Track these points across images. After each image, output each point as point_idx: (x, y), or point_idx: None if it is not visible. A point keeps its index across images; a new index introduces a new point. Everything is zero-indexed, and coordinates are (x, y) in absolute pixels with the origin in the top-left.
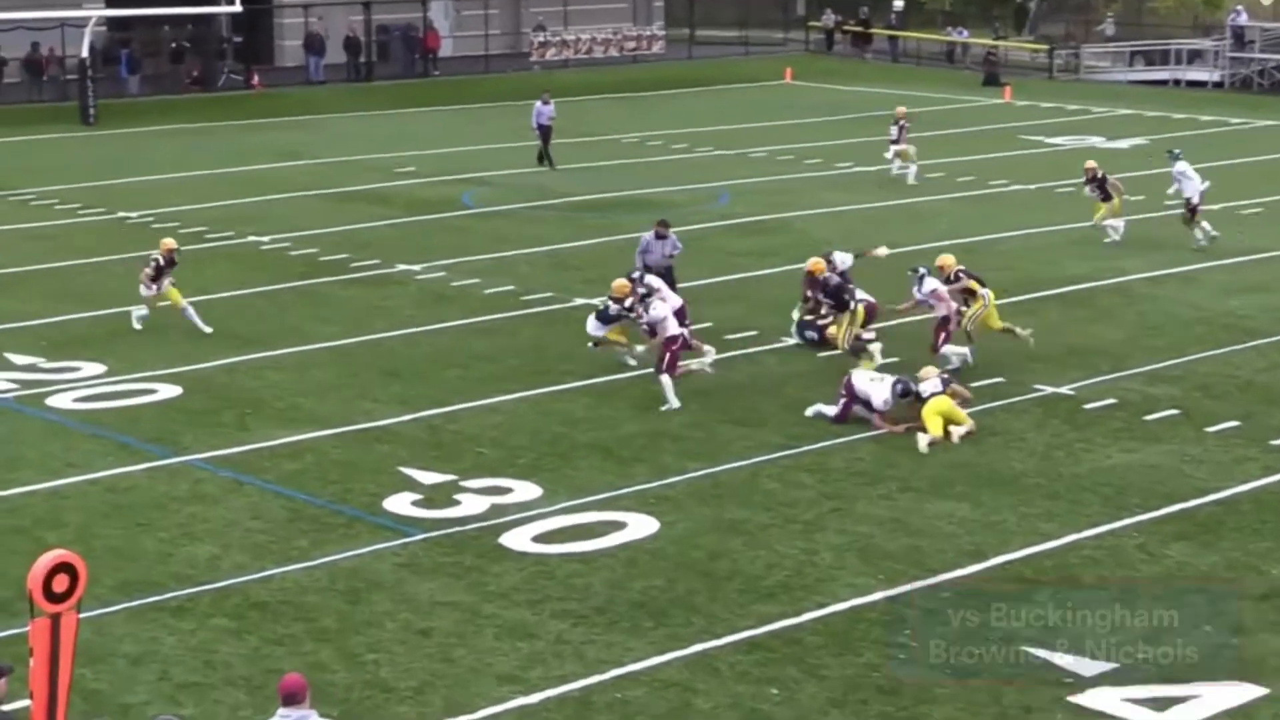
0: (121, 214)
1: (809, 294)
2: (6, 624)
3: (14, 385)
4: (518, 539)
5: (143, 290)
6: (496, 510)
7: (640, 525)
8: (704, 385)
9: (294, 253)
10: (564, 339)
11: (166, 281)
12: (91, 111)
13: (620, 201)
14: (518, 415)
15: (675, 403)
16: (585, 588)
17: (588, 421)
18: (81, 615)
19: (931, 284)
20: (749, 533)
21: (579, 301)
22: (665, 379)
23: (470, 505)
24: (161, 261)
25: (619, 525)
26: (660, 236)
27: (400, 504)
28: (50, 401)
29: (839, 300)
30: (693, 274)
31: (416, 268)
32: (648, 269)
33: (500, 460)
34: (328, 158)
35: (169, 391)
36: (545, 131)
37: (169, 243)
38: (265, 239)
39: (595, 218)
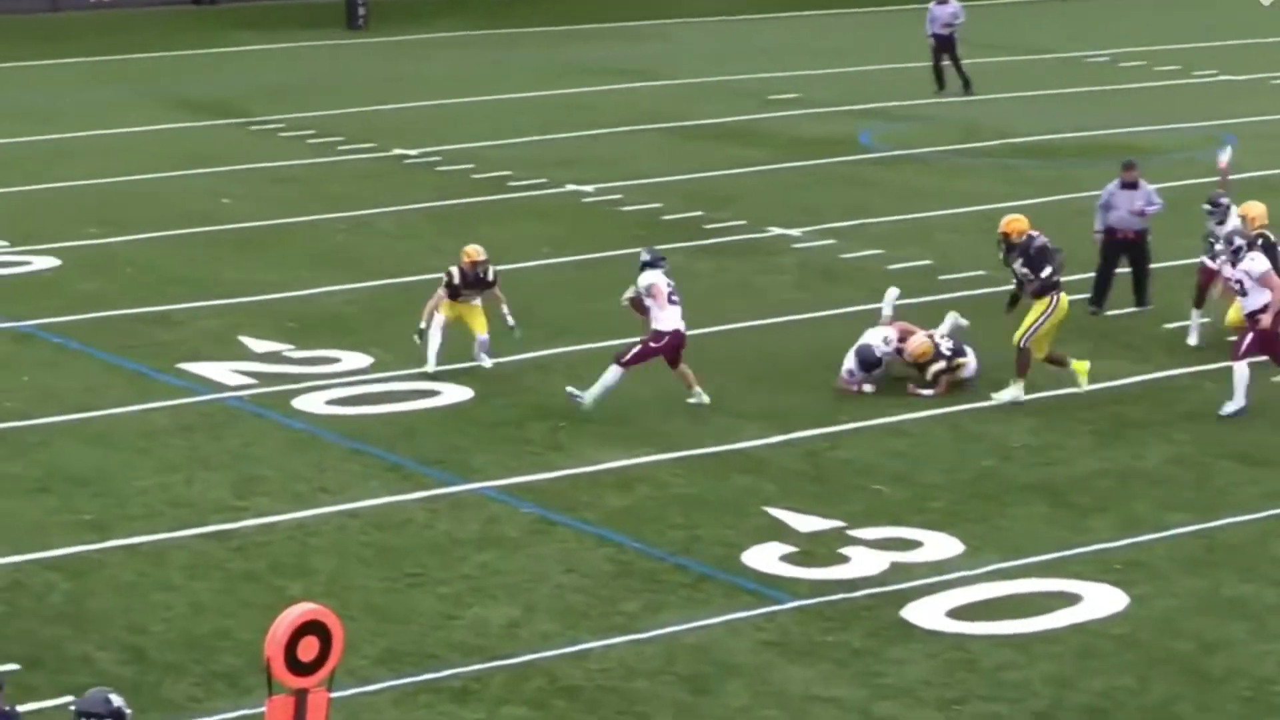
0: (397, 151)
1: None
2: (235, 702)
3: (251, 380)
4: (927, 612)
5: (428, 322)
6: (899, 571)
7: (1100, 599)
8: (1195, 408)
9: (627, 208)
10: (996, 333)
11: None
12: (361, 12)
13: (1075, 145)
14: (930, 440)
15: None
16: (1021, 685)
17: (1028, 452)
18: (333, 694)
19: (1258, 261)
20: (1256, 616)
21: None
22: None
23: (862, 563)
24: (457, 279)
25: (1070, 599)
26: (1128, 185)
27: (766, 558)
28: (298, 404)
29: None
30: (1174, 247)
31: (796, 232)
32: (1110, 232)
33: (904, 502)
34: (676, 78)
35: (456, 394)
36: (944, 42)
37: (474, 251)
38: (589, 188)
39: (1039, 167)
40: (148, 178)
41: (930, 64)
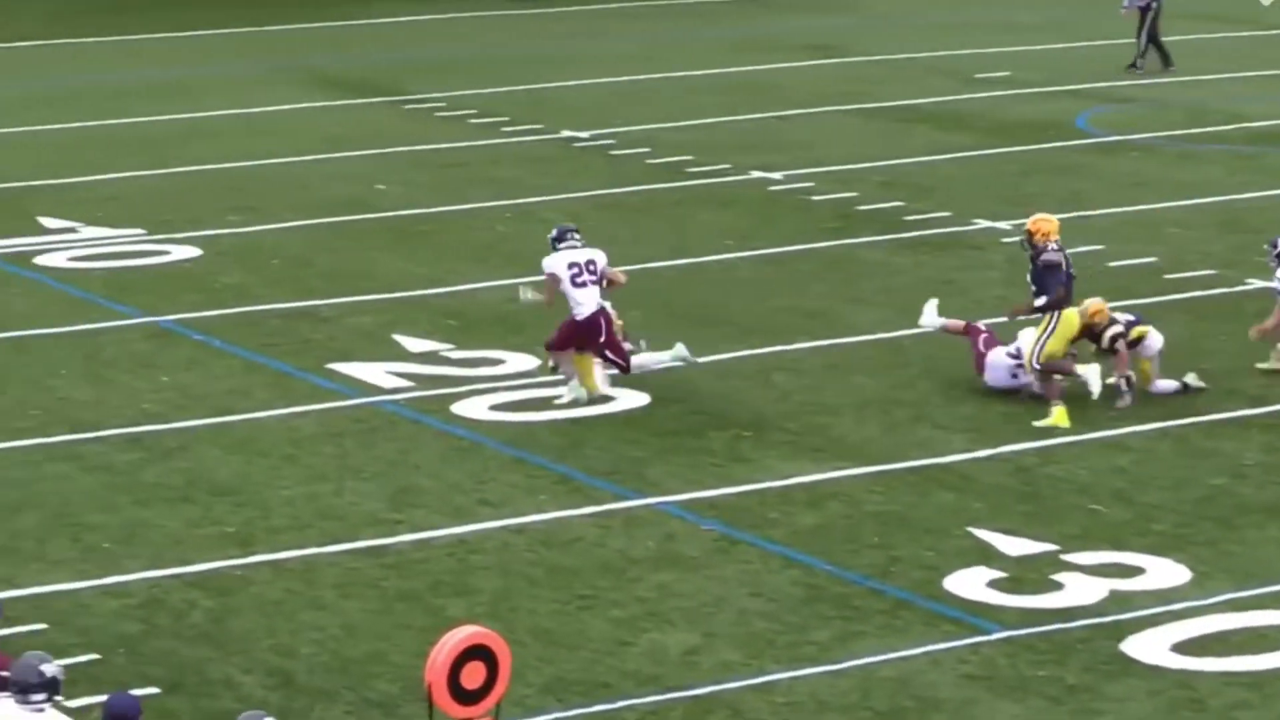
0: (566, 133)
1: None
2: None
3: (406, 383)
4: (1151, 646)
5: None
6: (1118, 601)
7: None
8: None
9: (818, 197)
10: (1231, 341)
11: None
12: None
13: None
14: (1154, 456)
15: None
16: None
17: (1264, 470)
18: None
19: None
20: None
21: (1255, 284)
22: None
23: (1078, 591)
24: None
25: None
26: None
27: (972, 584)
28: (457, 409)
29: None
30: None
31: (1004, 225)
32: None
33: (1125, 524)
34: (870, 54)
35: (631, 399)
36: (1148, 15)
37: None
38: (776, 175)
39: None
40: (294, 161)
41: (1143, 40)
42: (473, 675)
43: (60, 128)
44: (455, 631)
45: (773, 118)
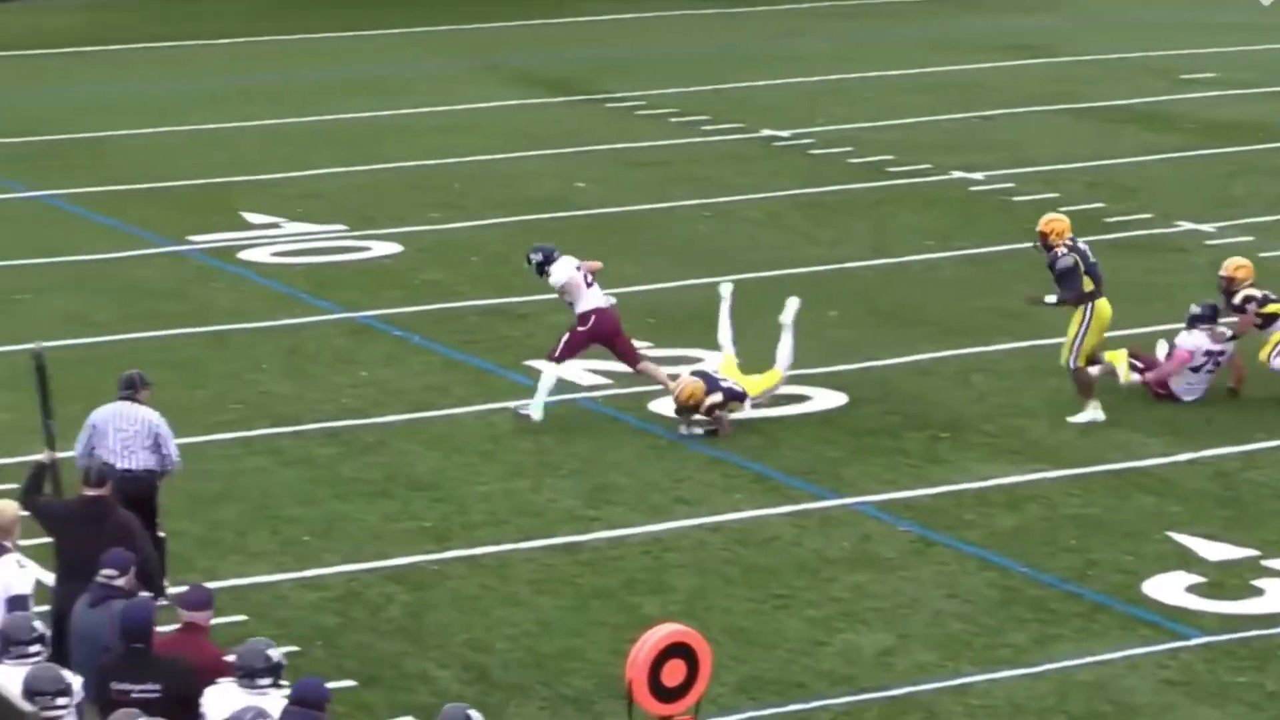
0: (766, 132)
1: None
2: None
3: (605, 380)
4: None
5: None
6: None
7: None
8: None
9: (1020, 198)
10: None
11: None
12: None
13: None
14: None
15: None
16: None
17: None
18: None
19: None
20: None
21: None
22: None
23: None
24: None
25: None
26: None
27: (1171, 588)
28: (655, 407)
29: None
30: None
31: (1208, 228)
32: None
33: None
34: (1073, 53)
35: (828, 399)
36: None
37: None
38: (977, 175)
39: None
40: (495, 158)
41: None
42: (673, 673)
43: (265, 124)
44: (656, 629)
45: (976, 118)
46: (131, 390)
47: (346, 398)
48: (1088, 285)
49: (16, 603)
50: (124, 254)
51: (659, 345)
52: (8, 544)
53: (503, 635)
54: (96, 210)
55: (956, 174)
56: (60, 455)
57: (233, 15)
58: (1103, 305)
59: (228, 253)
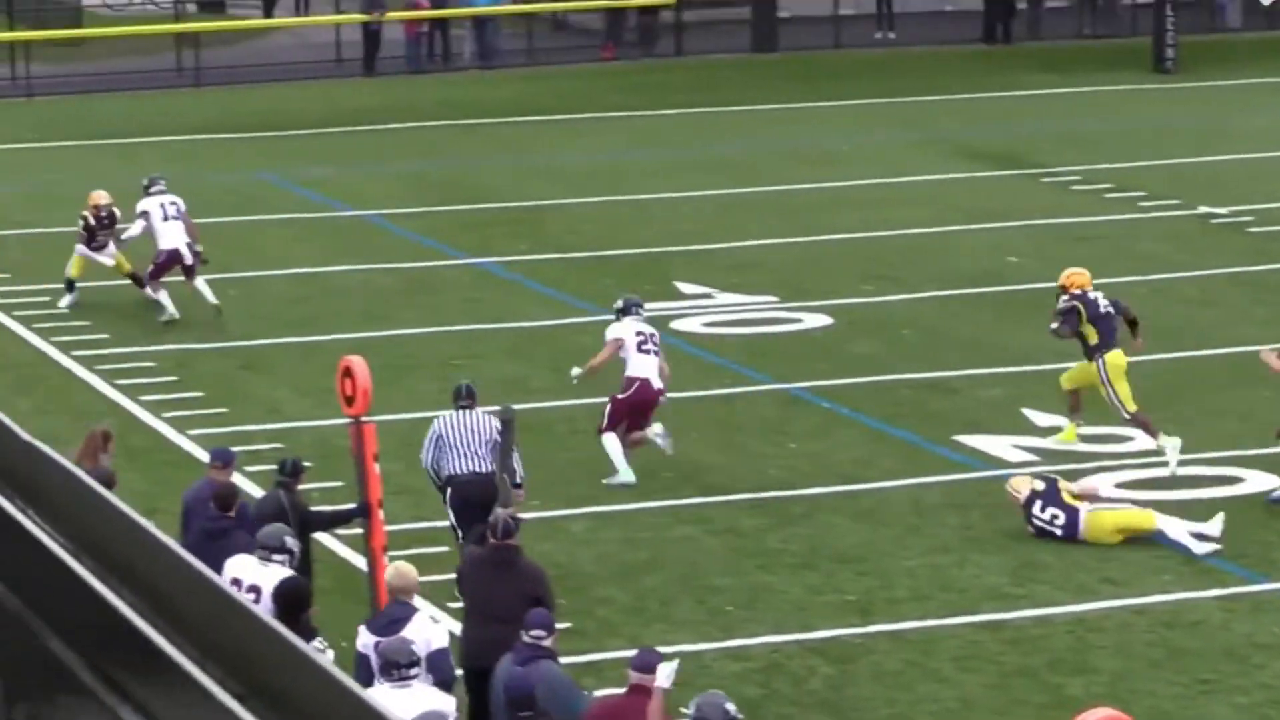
0: (1204, 209)
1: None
2: None
3: (1033, 457)
4: None
5: None
6: None
7: None
8: None
9: None
10: None
11: None
12: (1170, 54)
13: None
14: None
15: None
16: None
17: None
18: None
19: None
20: None
21: None
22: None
23: None
24: None
25: None
26: None
27: None
28: (1084, 484)
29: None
30: None
31: None
32: None
33: None
34: None
35: (1261, 481)
36: None
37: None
38: None
39: None
40: (930, 231)
41: None
42: None
43: (707, 194)
44: (1089, 713)
45: None
46: (471, 400)
47: (774, 469)
48: (1091, 337)
49: (437, 656)
50: (561, 321)
51: (1089, 422)
52: (412, 603)
53: (925, 711)
54: (534, 278)
55: None
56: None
57: (695, 87)
58: (1113, 356)
59: (660, 322)
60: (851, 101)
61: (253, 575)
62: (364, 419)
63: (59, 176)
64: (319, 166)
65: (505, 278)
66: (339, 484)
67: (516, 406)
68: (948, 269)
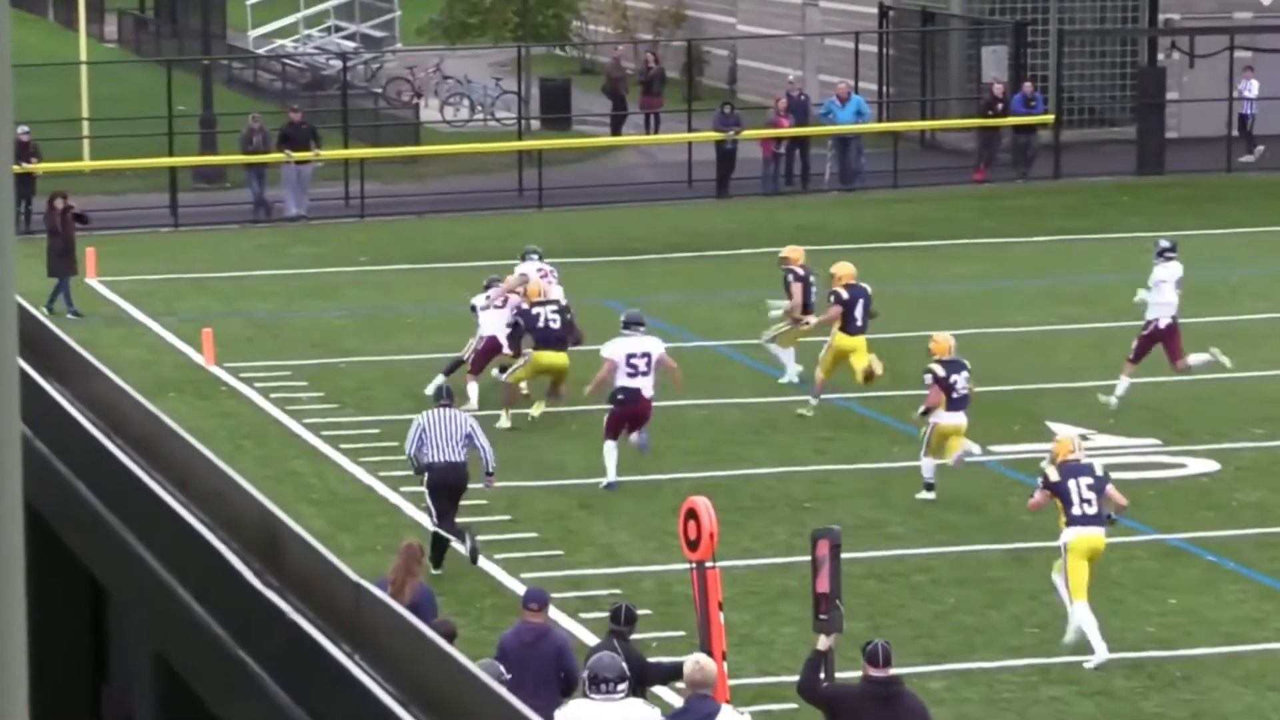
0: None
1: None
2: None
3: None
4: None
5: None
6: None
7: None
8: None
9: None
10: None
11: None
12: None
13: None
14: None
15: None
16: None
17: None
18: None
19: None
20: None
21: None
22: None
23: None
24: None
25: None
26: None
27: None
28: None
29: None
30: None
31: None
32: None
33: None
34: None
35: None
36: None
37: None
38: None
39: None
40: None
41: None
42: None
43: (1078, 327)
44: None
45: None
46: (449, 400)
47: (1153, 625)
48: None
49: None
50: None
51: None
52: (710, 695)
53: None
54: (894, 416)
55: None
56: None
57: (1072, 212)
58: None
59: (1030, 465)
60: (1243, 230)
61: (593, 713)
62: (708, 564)
63: (391, 300)
64: (666, 294)
65: (863, 414)
66: (680, 633)
67: (874, 554)
68: None
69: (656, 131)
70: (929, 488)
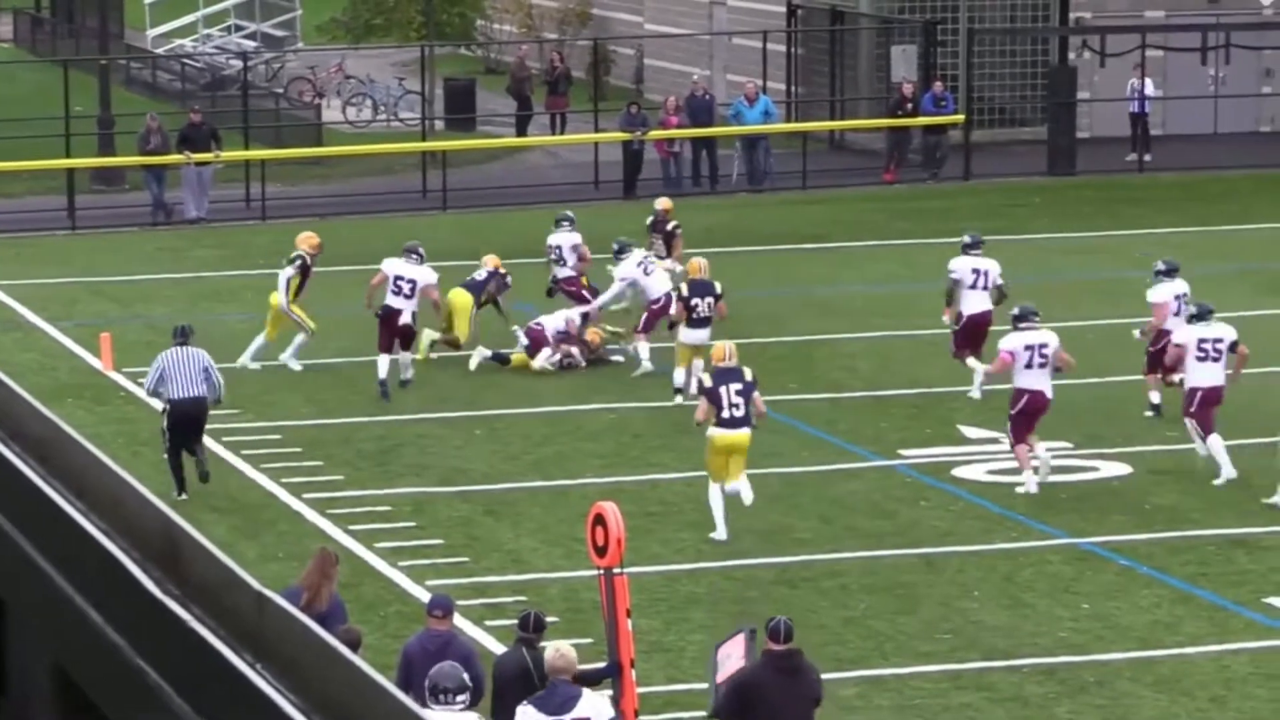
0: None
1: None
2: None
3: None
4: None
5: None
6: None
7: None
8: None
9: None
10: None
11: None
12: None
13: None
14: None
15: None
16: None
17: None
18: None
19: None
20: None
21: None
22: None
23: None
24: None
25: None
26: None
27: None
28: None
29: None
30: None
31: None
32: None
33: None
34: None
35: None
36: None
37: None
38: None
39: None
40: (1245, 372)
41: None
42: None
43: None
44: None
45: None
46: (185, 338)
47: (1065, 631)
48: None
49: None
50: (831, 467)
51: None
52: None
53: None
54: (802, 419)
55: None
56: None
57: (983, 213)
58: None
59: (941, 469)
60: (1156, 230)
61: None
62: (616, 570)
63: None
64: None
65: (772, 418)
66: (587, 640)
67: (782, 559)
68: (1268, 413)
69: (562, 132)
70: (678, 391)
